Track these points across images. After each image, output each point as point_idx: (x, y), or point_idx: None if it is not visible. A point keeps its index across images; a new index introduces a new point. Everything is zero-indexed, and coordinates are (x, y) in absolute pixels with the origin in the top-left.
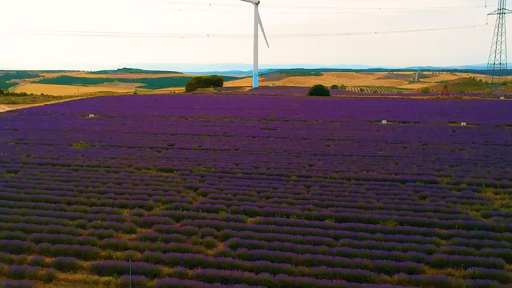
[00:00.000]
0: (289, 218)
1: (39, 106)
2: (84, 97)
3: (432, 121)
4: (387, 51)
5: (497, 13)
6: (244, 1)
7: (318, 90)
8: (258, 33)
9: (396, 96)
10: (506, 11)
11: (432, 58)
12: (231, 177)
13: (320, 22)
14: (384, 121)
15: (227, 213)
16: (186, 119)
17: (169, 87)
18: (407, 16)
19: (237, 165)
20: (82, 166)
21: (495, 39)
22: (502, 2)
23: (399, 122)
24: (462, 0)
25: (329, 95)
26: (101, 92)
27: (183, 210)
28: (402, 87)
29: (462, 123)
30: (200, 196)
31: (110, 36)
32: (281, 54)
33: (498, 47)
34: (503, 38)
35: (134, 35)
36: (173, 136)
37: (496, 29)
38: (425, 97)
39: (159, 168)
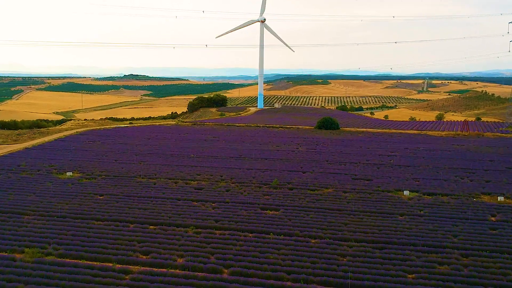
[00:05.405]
0: None
1: (19, 150)
2: (73, 132)
3: (462, 191)
4: (394, 57)
5: None
6: (250, 24)
7: (327, 123)
8: (271, 44)
9: (411, 131)
10: None
11: (440, 64)
12: None
13: (328, 28)
14: (406, 192)
15: None
16: (176, 183)
17: (174, 95)
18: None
19: None
20: None
21: None
22: None
23: (424, 195)
24: (485, 28)
25: (339, 128)
26: (94, 122)
27: None
28: (411, 97)
29: (499, 198)
30: None
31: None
32: (287, 59)
33: None
34: None
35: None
36: (152, 229)
37: None
38: (443, 134)
39: None
